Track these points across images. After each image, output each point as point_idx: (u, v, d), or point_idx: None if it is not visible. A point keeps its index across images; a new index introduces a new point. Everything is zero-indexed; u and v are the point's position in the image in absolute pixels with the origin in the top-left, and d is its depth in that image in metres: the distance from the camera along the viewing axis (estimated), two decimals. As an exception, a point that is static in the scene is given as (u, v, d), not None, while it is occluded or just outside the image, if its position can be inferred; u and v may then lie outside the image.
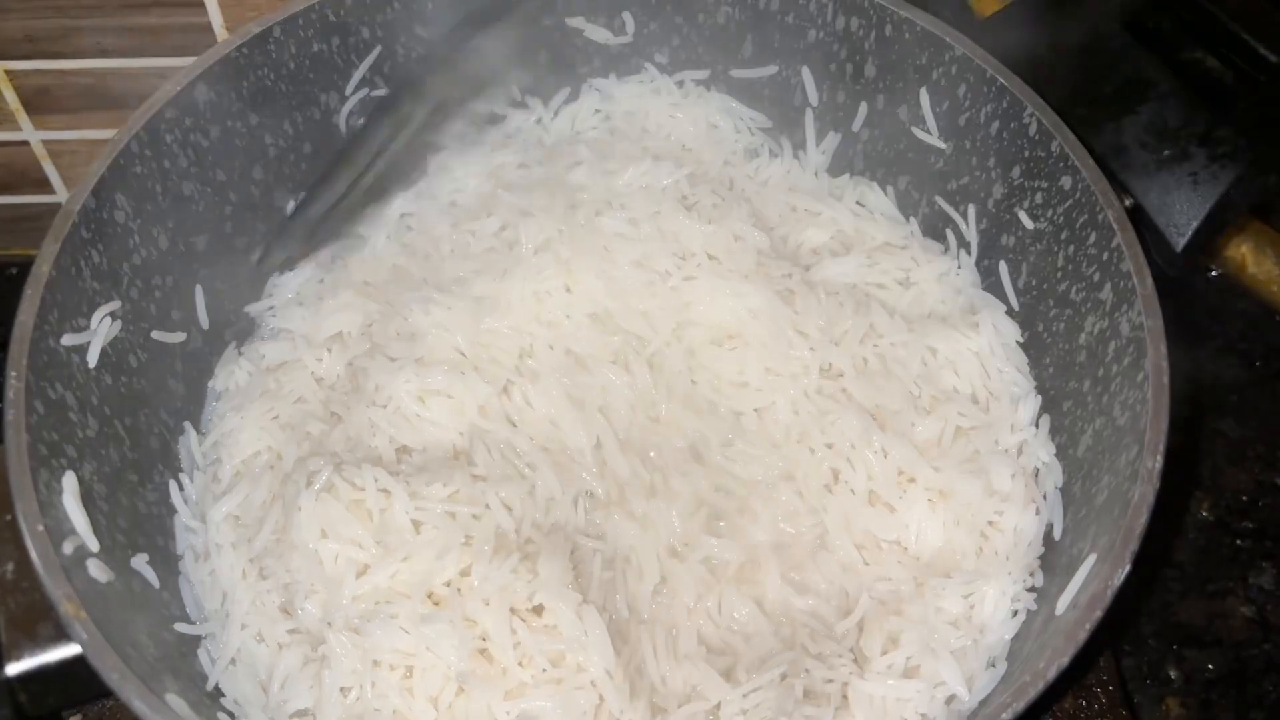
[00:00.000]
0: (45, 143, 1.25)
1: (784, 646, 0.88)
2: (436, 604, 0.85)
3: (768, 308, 0.99)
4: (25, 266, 0.84)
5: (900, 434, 0.95)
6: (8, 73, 1.17)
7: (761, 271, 1.02)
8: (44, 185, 1.29)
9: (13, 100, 1.20)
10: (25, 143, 1.24)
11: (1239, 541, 1.16)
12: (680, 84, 1.16)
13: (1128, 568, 0.74)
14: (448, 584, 0.86)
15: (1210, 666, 1.09)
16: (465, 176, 1.12)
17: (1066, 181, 0.93)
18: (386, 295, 1.06)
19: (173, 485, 0.95)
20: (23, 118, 1.21)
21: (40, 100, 1.20)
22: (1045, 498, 0.93)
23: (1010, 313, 1.02)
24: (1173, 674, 1.08)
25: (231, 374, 1.03)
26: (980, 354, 1.01)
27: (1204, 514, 1.18)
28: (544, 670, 0.82)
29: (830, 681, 0.84)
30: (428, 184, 1.12)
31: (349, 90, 1.07)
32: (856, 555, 0.92)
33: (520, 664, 0.82)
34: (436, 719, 0.82)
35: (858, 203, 1.13)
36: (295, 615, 0.87)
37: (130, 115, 0.93)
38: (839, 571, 0.92)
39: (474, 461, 0.93)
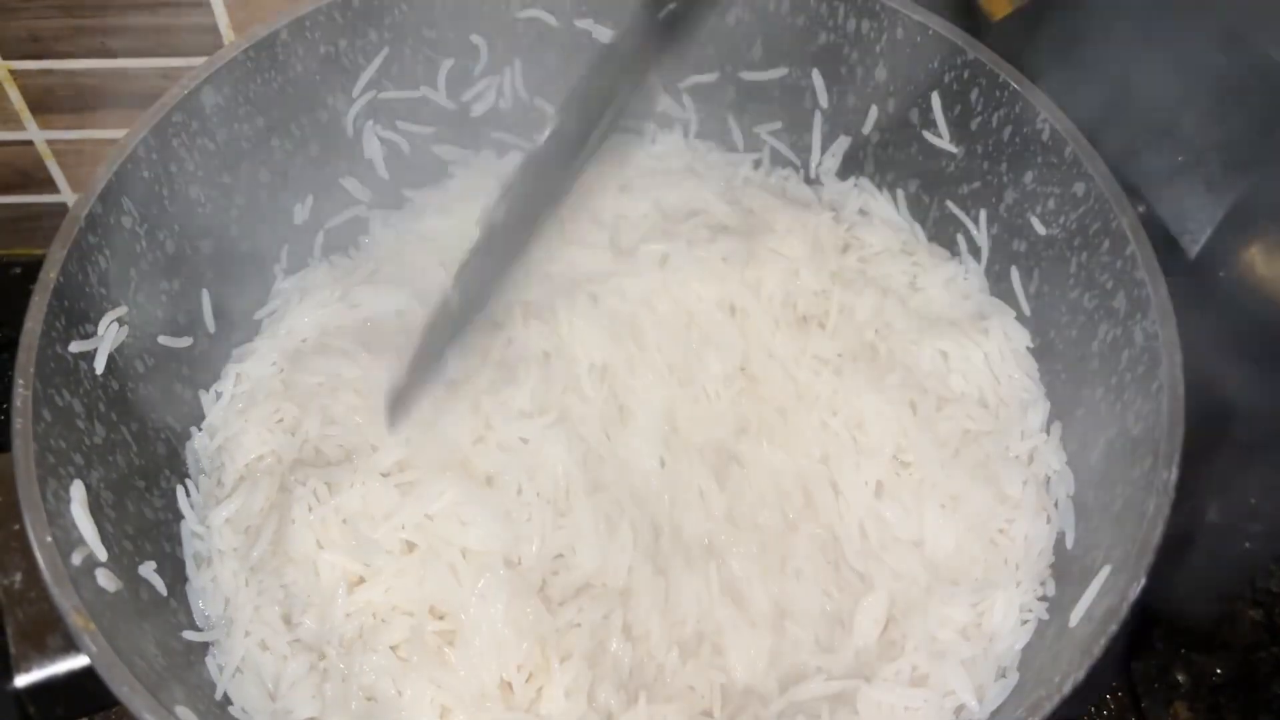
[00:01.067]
0: (50, 143, 1.24)
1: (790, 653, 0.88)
2: (441, 617, 0.85)
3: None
4: (29, 266, 0.84)
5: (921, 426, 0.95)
6: (13, 72, 1.17)
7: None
8: (49, 185, 1.29)
9: (17, 100, 1.19)
10: (30, 142, 1.24)
11: (1247, 544, 1.16)
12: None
13: (1143, 581, 0.74)
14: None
15: (1218, 670, 1.09)
16: None
17: (1079, 187, 0.93)
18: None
19: (180, 491, 0.94)
20: (27, 117, 1.21)
21: (45, 100, 1.20)
22: (1057, 506, 0.93)
23: (1021, 319, 1.02)
24: (1180, 678, 1.08)
25: (238, 377, 1.02)
26: (990, 359, 1.00)
27: (1212, 517, 1.18)
28: None
29: (838, 689, 0.84)
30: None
31: (356, 93, 1.06)
32: (870, 544, 0.92)
33: None
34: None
35: (860, 210, 1.12)
36: (294, 628, 0.87)
37: (135, 115, 0.92)
38: (849, 565, 0.92)
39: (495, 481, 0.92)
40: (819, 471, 0.96)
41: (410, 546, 0.88)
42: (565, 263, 1.06)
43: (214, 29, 1.14)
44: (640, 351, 0.99)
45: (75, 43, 1.14)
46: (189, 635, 0.87)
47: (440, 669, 0.83)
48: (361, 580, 0.88)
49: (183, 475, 0.96)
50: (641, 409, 0.97)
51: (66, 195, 1.30)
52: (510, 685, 0.83)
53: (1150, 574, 0.75)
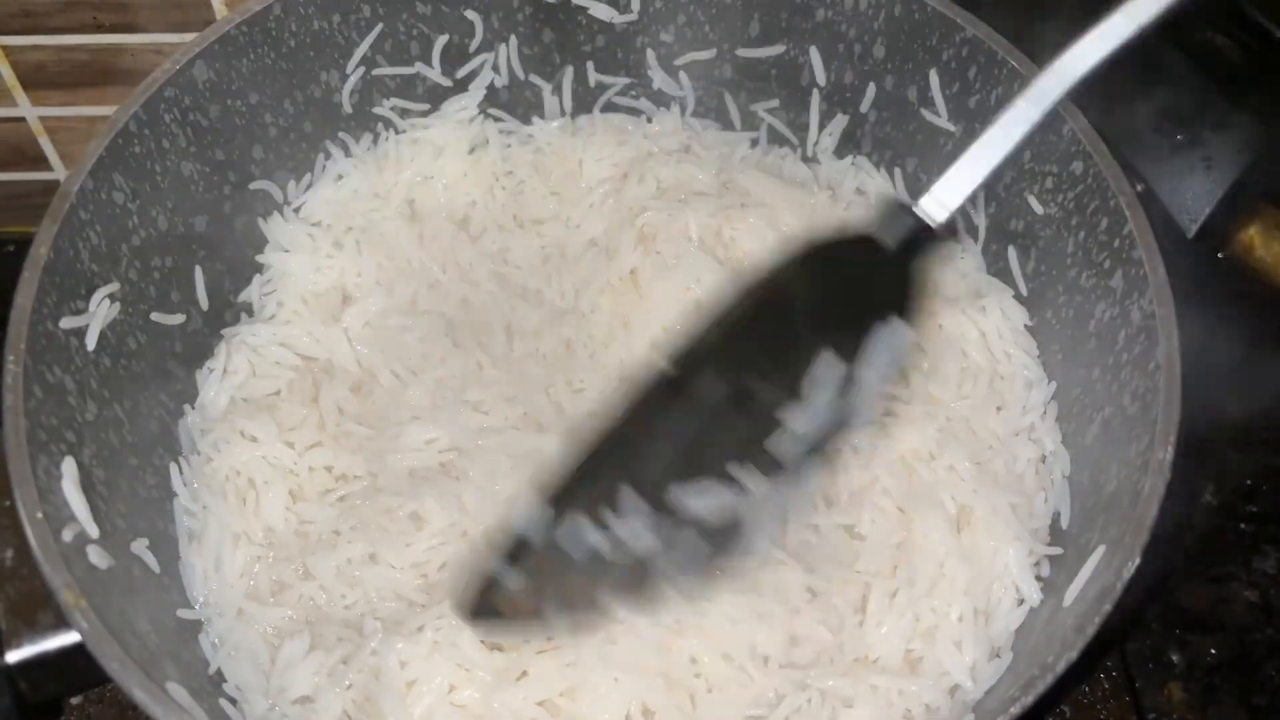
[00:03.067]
0: (42, 119, 1.24)
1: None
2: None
3: None
4: (22, 243, 0.83)
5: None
6: (4, 48, 1.16)
7: None
8: (41, 162, 1.28)
9: (9, 76, 1.18)
10: (22, 119, 1.23)
11: (1243, 526, 1.16)
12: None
13: (1137, 561, 0.74)
14: None
15: (1213, 651, 1.09)
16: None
17: (1078, 166, 0.93)
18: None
19: (173, 468, 0.94)
20: (19, 94, 1.20)
21: (37, 76, 1.19)
22: (1053, 485, 0.93)
23: (1019, 298, 1.02)
24: (1175, 658, 1.08)
25: (232, 355, 1.02)
26: (987, 336, 1.00)
27: (1208, 498, 1.18)
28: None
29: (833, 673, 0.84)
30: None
31: (350, 68, 1.05)
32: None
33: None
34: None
35: (857, 190, 1.12)
36: (292, 606, 0.88)
37: (128, 92, 0.91)
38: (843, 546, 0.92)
39: None
40: None
41: (419, 522, 0.89)
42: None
43: (207, 4, 1.13)
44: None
45: (67, 18, 1.13)
46: (182, 613, 0.87)
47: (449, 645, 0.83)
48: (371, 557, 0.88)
49: (176, 453, 0.95)
50: None
51: (59, 172, 1.29)
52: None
53: (1145, 554, 0.75)
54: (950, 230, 0.82)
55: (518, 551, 0.76)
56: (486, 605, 0.77)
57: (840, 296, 0.81)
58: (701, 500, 0.76)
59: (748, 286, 0.81)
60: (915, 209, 0.80)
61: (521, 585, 0.75)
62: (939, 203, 0.80)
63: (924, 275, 0.82)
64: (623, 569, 0.76)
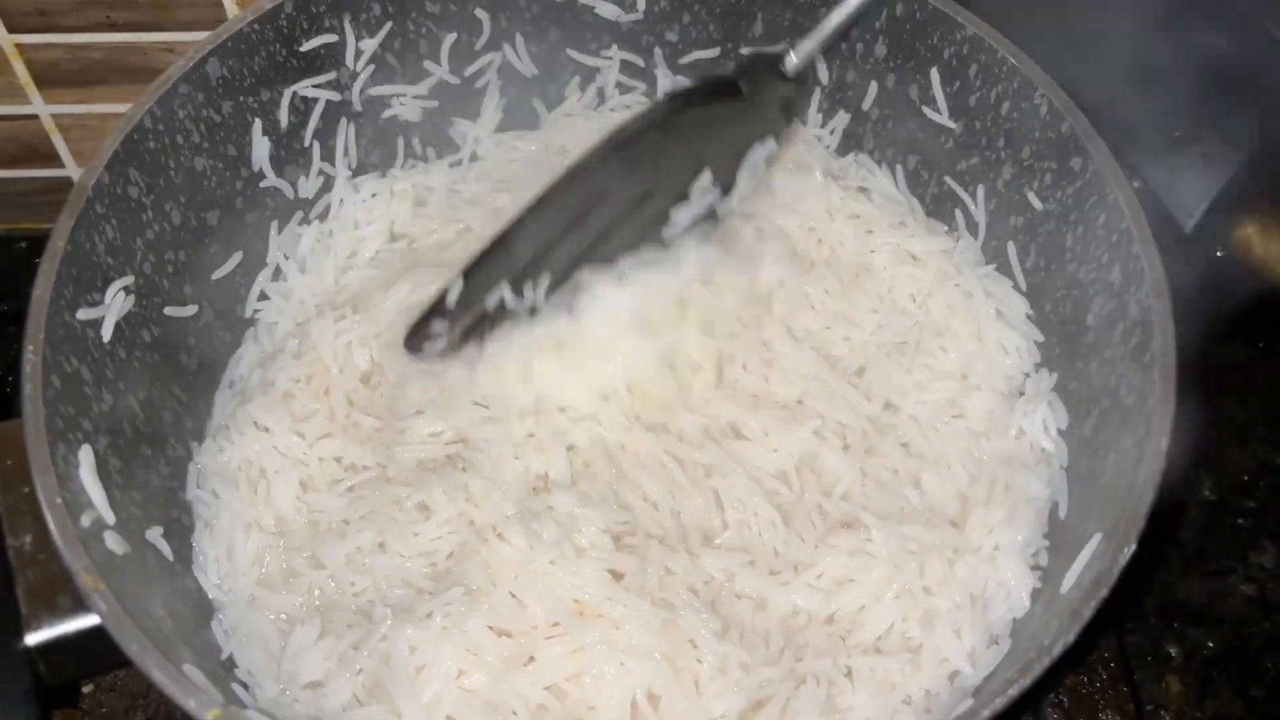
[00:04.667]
0: (55, 116, 1.25)
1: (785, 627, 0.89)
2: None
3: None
4: (35, 240, 0.85)
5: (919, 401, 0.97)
6: (18, 46, 1.17)
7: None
8: (53, 159, 1.29)
9: (22, 74, 1.20)
10: (35, 116, 1.24)
11: (1240, 520, 1.17)
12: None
13: (1133, 547, 0.75)
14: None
15: (1210, 644, 1.10)
16: None
17: (1076, 163, 0.94)
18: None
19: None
20: (32, 91, 1.22)
21: (50, 74, 1.20)
22: (1051, 475, 0.94)
23: (1018, 291, 1.02)
24: (1173, 651, 1.09)
25: (243, 346, 1.04)
26: (986, 328, 1.01)
27: (1206, 493, 1.18)
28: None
29: (833, 660, 0.85)
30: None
31: (360, 66, 1.07)
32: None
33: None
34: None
35: (860, 187, 1.13)
36: (302, 594, 0.89)
37: (140, 90, 0.93)
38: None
39: None
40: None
41: (427, 512, 0.90)
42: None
43: (219, 2, 1.14)
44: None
45: (80, 16, 1.15)
46: (195, 599, 0.88)
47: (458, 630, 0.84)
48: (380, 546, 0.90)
49: (188, 443, 0.97)
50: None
51: (71, 169, 1.30)
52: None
53: (1144, 547, 0.76)
54: (801, 79, 1.02)
55: (442, 309, 0.95)
56: (418, 342, 0.96)
57: (717, 127, 1.00)
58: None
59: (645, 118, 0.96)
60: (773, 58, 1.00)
61: (443, 329, 0.96)
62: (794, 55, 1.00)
63: (779, 108, 1.03)
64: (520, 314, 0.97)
